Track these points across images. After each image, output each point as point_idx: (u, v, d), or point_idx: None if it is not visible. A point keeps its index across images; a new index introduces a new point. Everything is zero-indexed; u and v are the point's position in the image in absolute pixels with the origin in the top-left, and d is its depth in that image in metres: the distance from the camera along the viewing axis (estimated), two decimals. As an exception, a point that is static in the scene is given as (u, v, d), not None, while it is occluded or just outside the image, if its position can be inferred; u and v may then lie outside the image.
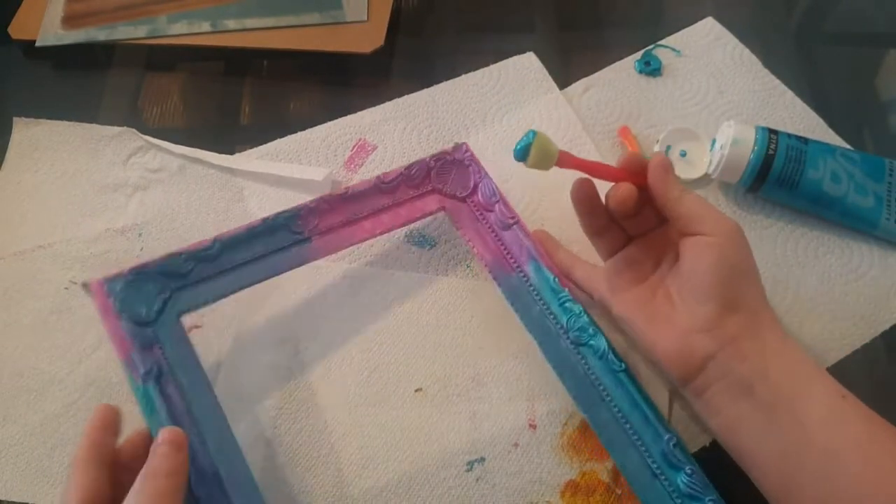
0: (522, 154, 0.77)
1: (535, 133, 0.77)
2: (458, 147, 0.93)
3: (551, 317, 0.84)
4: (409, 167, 0.90)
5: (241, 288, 0.83)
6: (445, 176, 0.92)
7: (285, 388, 0.86)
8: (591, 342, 0.82)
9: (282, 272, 0.85)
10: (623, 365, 0.80)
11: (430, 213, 0.91)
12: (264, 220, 0.85)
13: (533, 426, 0.85)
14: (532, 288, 0.86)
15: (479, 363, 0.88)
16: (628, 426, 0.78)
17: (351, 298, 0.92)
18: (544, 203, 0.97)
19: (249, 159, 1.01)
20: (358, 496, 0.81)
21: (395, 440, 0.84)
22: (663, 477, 0.76)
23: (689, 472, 0.74)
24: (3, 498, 0.81)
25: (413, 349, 0.89)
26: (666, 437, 0.76)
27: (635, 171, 0.79)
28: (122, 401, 0.84)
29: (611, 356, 0.81)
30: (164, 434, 0.69)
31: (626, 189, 0.77)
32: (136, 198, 0.99)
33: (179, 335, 0.80)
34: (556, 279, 0.85)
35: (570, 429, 0.85)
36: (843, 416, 0.69)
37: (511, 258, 0.88)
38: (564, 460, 0.83)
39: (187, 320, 0.85)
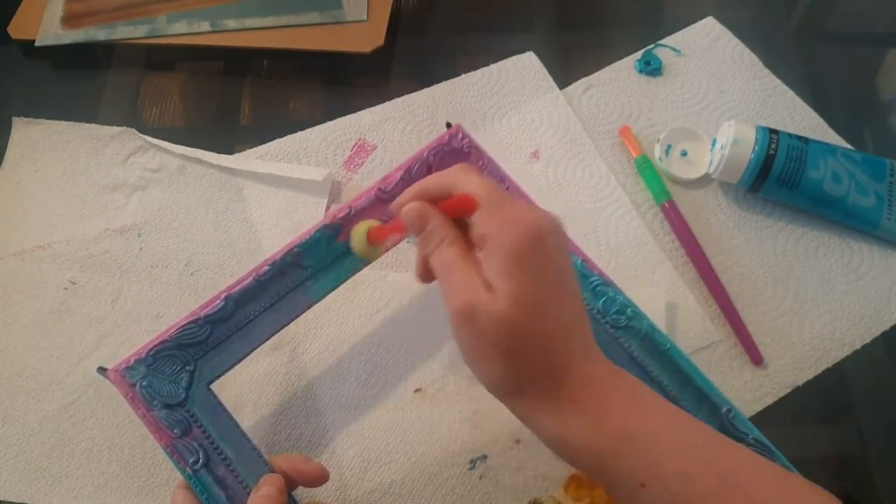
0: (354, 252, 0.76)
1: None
2: (452, 133, 0.88)
3: (584, 303, 0.79)
4: (407, 169, 0.86)
5: (264, 340, 0.80)
6: (446, 168, 0.83)
7: (283, 394, 0.87)
8: (632, 324, 0.79)
9: (302, 312, 0.81)
10: (669, 343, 0.78)
11: None
12: (271, 263, 0.80)
13: (534, 422, 0.84)
14: None
15: (478, 361, 0.87)
16: (683, 405, 0.76)
17: (348, 300, 0.92)
18: (543, 203, 0.94)
19: (249, 159, 1.01)
20: (361, 499, 0.81)
21: (396, 441, 0.84)
22: None
23: (751, 441, 0.74)
24: (2, 498, 0.82)
25: (411, 350, 0.89)
26: (724, 409, 0.75)
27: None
28: (121, 401, 0.83)
29: (655, 335, 0.78)
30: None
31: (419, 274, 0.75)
32: (135, 198, 0.99)
33: (213, 405, 0.77)
34: (584, 263, 0.81)
35: (572, 423, 0.84)
36: (637, 408, 0.66)
37: None
38: (567, 454, 0.83)
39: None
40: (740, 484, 0.62)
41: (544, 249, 0.64)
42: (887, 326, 0.90)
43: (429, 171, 0.85)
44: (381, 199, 0.84)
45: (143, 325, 0.90)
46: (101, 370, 0.76)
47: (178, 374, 0.76)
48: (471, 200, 0.66)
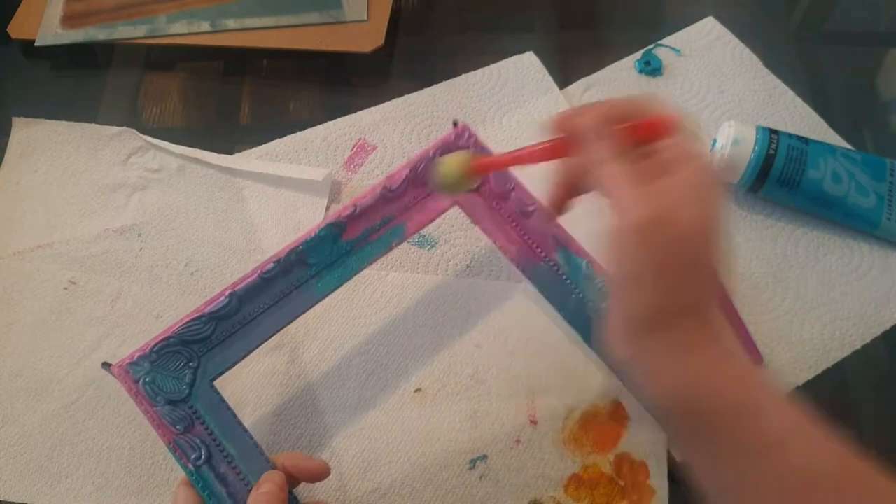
0: (436, 183, 0.75)
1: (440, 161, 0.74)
2: (459, 133, 0.87)
3: (590, 304, 0.82)
4: (412, 167, 0.85)
5: (268, 337, 0.79)
6: None
7: (283, 394, 0.87)
8: None
9: (305, 310, 0.81)
10: None
11: (444, 211, 0.86)
12: (276, 261, 0.80)
13: (534, 422, 0.85)
14: (564, 276, 0.84)
15: (478, 361, 0.88)
16: None
17: (348, 300, 0.92)
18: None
19: (249, 159, 1.01)
20: (361, 499, 0.81)
21: (396, 441, 0.84)
22: None
23: None
24: (2, 498, 0.81)
25: (411, 350, 0.89)
26: None
27: (559, 147, 0.67)
28: (122, 401, 0.85)
29: None
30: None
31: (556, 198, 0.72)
32: (135, 198, 0.99)
33: (216, 401, 0.76)
34: (590, 264, 0.83)
35: (571, 423, 0.85)
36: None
37: (537, 247, 0.84)
38: (567, 454, 0.83)
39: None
40: (860, 476, 0.57)
41: (720, 201, 0.61)
42: (887, 326, 0.90)
43: None
44: (386, 198, 0.83)
45: (142, 325, 0.90)
46: (106, 365, 0.75)
47: (181, 371, 0.75)
48: (673, 121, 0.63)
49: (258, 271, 0.79)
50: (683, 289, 0.60)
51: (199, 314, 0.77)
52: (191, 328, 0.77)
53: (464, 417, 0.85)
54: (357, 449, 0.84)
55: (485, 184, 0.85)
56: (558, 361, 0.88)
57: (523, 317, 0.90)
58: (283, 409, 0.86)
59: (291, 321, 0.80)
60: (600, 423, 0.84)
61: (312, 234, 0.81)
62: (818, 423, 0.58)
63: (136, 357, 0.75)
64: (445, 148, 0.85)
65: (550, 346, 0.89)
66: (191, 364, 0.76)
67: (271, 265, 0.80)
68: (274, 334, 0.79)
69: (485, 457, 0.83)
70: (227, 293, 0.78)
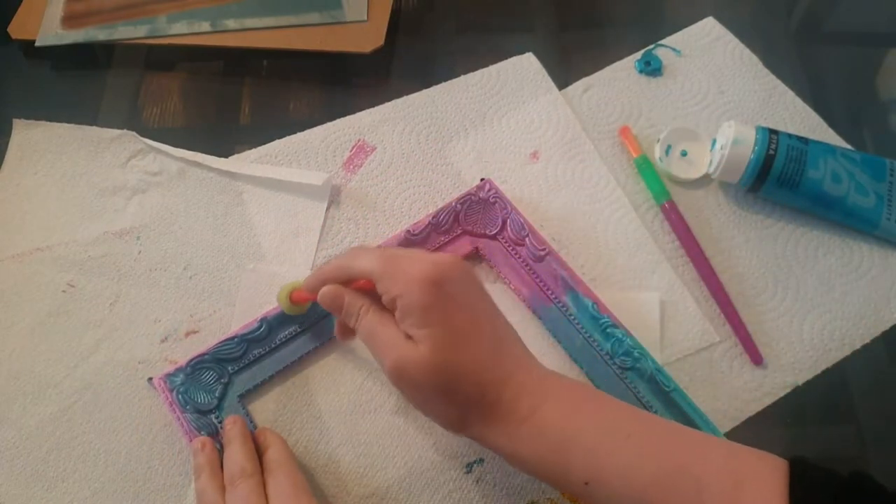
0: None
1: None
2: (481, 185, 0.95)
3: (595, 344, 0.87)
4: (435, 214, 0.93)
5: (294, 361, 0.88)
6: (473, 216, 0.94)
7: (280, 400, 0.87)
8: (638, 366, 0.84)
9: (327, 339, 0.89)
10: (673, 384, 0.82)
11: (465, 256, 0.93)
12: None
13: (531, 424, 0.84)
14: (572, 317, 0.88)
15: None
16: None
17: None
18: (542, 204, 0.97)
19: (249, 163, 1.01)
20: (359, 503, 0.81)
21: (393, 446, 0.84)
22: None
23: None
24: (-2, 502, 0.82)
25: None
26: None
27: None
28: (118, 405, 0.86)
29: (659, 377, 0.83)
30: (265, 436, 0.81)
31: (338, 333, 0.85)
32: (134, 201, 0.98)
33: (241, 415, 0.84)
34: (595, 305, 0.86)
35: (568, 425, 0.84)
36: (570, 413, 0.70)
37: (548, 290, 0.90)
38: (564, 456, 0.83)
39: (184, 326, 0.89)
40: (682, 466, 0.65)
41: (446, 294, 0.71)
42: (887, 326, 0.90)
43: (456, 218, 0.95)
44: (410, 241, 0.93)
45: (141, 329, 0.90)
46: (150, 380, 0.86)
47: (212, 385, 0.85)
48: (366, 283, 0.76)
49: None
50: (449, 407, 0.72)
51: (233, 336, 0.87)
52: (224, 348, 0.86)
53: (461, 420, 0.84)
54: (354, 454, 0.83)
55: (503, 231, 0.94)
56: (553, 363, 0.87)
57: (518, 319, 0.90)
58: (279, 416, 0.86)
59: (314, 348, 0.89)
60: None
61: None
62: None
63: (173, 370, 0.85)
64: (467, 199, 0.95)
65: (545, 348, 0.89)
66: (222, 380, 0.85)
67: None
68: (299, 358, 0.88)
69: (481, 460, 0.83)
70: (258, 319, 0.87)
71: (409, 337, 0.71)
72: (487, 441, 0.72)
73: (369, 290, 0.76)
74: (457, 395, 0.71)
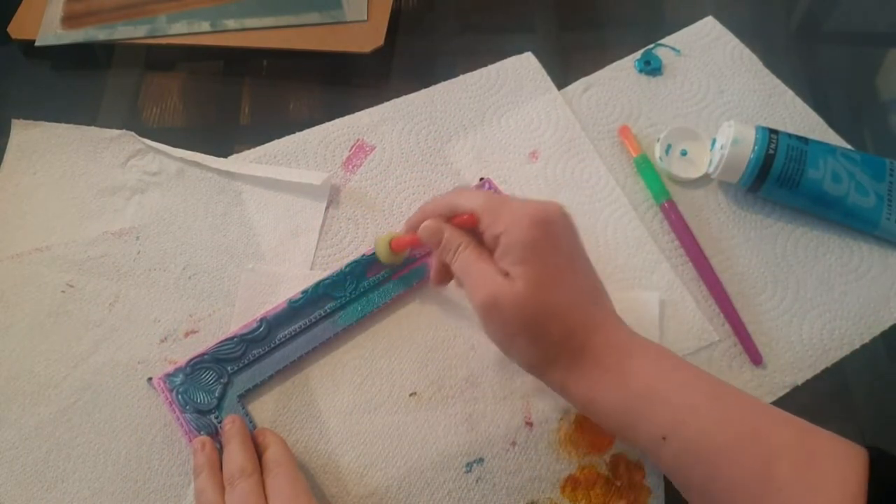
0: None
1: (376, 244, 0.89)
2: (480, 185, 0.96)
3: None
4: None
5: (293, 361, 0.87)
6: None
7: (279, 400, 0.87)
8: None
9: (328, 338, 0.89)
10: None
11: None
12: (304, 291, 0.89)
13: (529, 424, 0.85)
14: None
15: (472, 364, 0.88)
16: None
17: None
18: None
19: (248, 163, 1.01)
20: (358, 503, 0.81)
21: (392, 446, 0.84)
22: None
23: None
24: (-3, 503, 0.82)
25: (405, 353, 0.89)
26: None
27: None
28: (118, 405, 0.86)
29: None
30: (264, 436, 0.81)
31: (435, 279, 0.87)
32: (134, 201, 0.98)
33: (241, 415, 0.84)
34: None
35: (567, 424, 0.85)
36: (657, 369, 0.72)
37: None
38: (563, 456, 0.83)
39: (184, 326, 0.89)
40: (759, 437, 0.65)
41: (550, 234, 0.73)
42: (887, 326, 0.90)
43: None
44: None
45: (140, 329, 0.90)
46: (149, 380, 0.86)
47: (212, 385, 0.85)
48: (470, 218, 0.77)
49: (287, 300, 0.89)
50: (536, 347, 0.73)
51: (232, 336, 0.87)
52: (224, 348, 0.86)
53: (459, 420, 0.85)
54: (353, 454, 0.83)
55: None
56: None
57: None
58: (278, 416, 0.86)
59: (314, 348, 0.88)
60: (596, 423, 0.84)
61: (339, 270, 0.91)
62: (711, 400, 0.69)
63: (173, 370, 0.85)
64: None
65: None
66: (221, 380, 0.85)
67: (299, 295, 0.89)
68: (298, 358, 0.88)
69: (481, 460, 0.83)
70: (258, 319, 0.88)
71: (505, 275, 0.72)
72: (566, 387, 0.74)
73: (469, 229, 0.78)
74: (544, 335, 0.72)
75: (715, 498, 0.66)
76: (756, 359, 0.88)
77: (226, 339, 0.86)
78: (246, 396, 0.85)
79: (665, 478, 0.81)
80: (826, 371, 0.88)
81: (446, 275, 0.84)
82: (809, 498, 0.61)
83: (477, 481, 0.82)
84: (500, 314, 0.72)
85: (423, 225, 0.80)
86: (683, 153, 1.00)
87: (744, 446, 0.65)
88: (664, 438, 0.68)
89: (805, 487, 0.62)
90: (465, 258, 0.76)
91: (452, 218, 0.79)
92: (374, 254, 0.90)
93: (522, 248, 0.72)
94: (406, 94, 1.07)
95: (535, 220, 0.72)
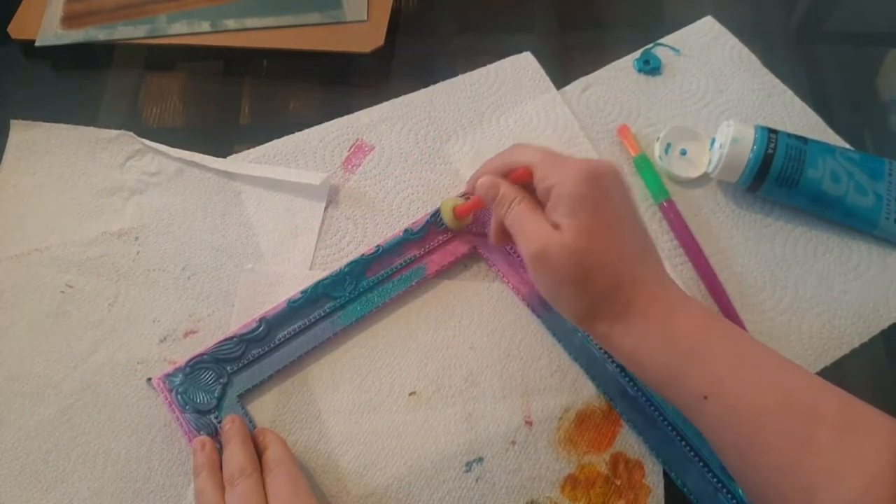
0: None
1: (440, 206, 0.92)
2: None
3: (593, 342, 0.87)
4: (434, 213, 0.94)
5: (293, 361, 0.88)
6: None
7: (279, 400, 0.87)
8: None
9: (327, 338, 0.89)
10: None
11: (464, 255, 0.94)
12: (303, 292, 0.89)
13: (529, 423, 0.85)
14: None
15: (472, 363, 0.88)
16: (683, 443, 0.81)
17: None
18: None
19: (247, 163, 1.01)
20: (358, 503, 0.81)
21: (392, 445, 0.84)
22: (724, 490, 0.78)
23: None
24: (-3, 503, 0.82)
25: (404, 352, 0.89)
26: None
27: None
28: (117, 406, 0.86)
29: None
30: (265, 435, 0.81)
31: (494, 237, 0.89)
32: (133, 201, 0.98)
33: (240, 415, 0.84)
34: None
35: (566, 423, 0.85)
36: (703, 327, 0.73)
37: None
38: (562, 455, 0.83)
39: (183, 326, 0.89)
40: (801, 402, 0.66)
41: (600, 188, 0.75)
42: (886, 325, 0.90)
43: None
44: (408, 240, 0.93)
45: (139, 329, 0.90)
46: (149, 381, 0.87)
47: (212, 386, 0.85)
48: (525, 170, 0.80)
49: (286, 300, 0.89)
50: (582, 298, 0.75)
51: (232, 336, 0.87)
52: (223, 348, 0.86)
53: (459, 420, 0.85)
54: (353, 453, 0.83)
55: None
56: (552, 362, 0.88)
57: (517, 318, 0.91)
58: (277, 417, 0.86)
59: (313, 347, 0.88)
60: (595, 422, 0.84)
61: (338, 270, 0.91)
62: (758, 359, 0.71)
63: (172, 370, 0.85)
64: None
65: (544, 347, 0.89)
66: (221, 380, 0.85)
67: (299, 295, 0.89)
68: (298, 358, 0.88)
69: (481, 459, 0.83)
70: (257, 319, 0.88)
71: (555, 227, 0.75)
72: (610, 339, 0.75)
73: (524, 184, 0.81)
74: (591, 286, 0.74)
75: (751, 460, 0.67)
76: (755, 358, 0.88)
77: (225, 339, 0.86)
78: (245, 396, 0.85)
79: (665, 476, 0.82)
80: (825, 370, 0.88)
81: (504, 234, 0.85)
82: (847, 465, 0.62)
83: (477, 480, 0.82)
84: (548, 265, 0.74)
85: (479, 181, 0.83)
86: (683, 153, 0.99)
87: (784, 410, 0.66)
88: (705, 398, 0.69)
89: (842, 454, 0.62)
90: (518, 212, 0.78)
91: (509, 174, 0.82)
92: (373, 254, 0.91)
93: (572, 200, 0.74)
94: (405, 94, 1.06)
95: (586, 173, 0.74)
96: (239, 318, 0.90)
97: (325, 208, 0.97)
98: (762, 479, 0.66)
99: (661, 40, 1.10)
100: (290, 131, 1.03)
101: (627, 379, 0.84)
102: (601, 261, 0.73)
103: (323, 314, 0.88)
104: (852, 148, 1.00)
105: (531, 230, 0.76)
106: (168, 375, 0.84)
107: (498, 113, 1.05)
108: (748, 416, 0.67)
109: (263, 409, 0.86)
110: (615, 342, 0.75)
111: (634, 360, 0.74)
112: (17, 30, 1.12)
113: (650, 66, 1.07)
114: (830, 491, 0.61)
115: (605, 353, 0.85)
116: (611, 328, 0.74)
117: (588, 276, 0.73)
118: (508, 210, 0.79)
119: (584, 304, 0.75)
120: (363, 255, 0.91)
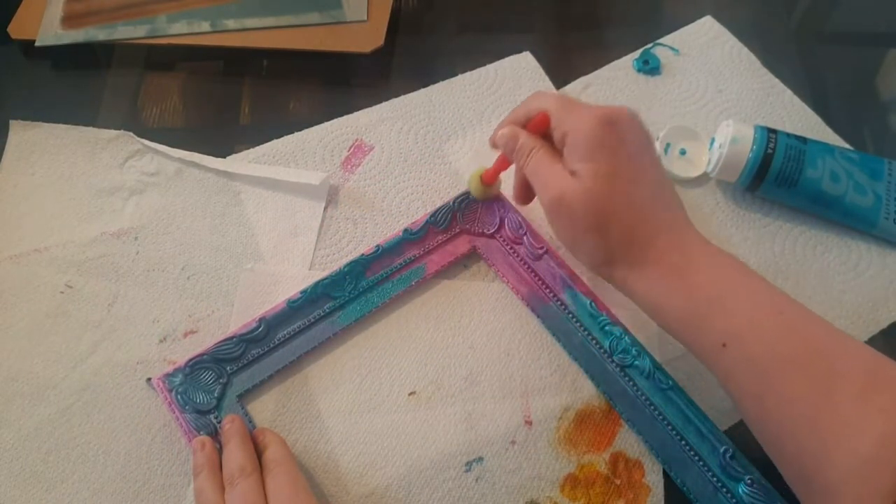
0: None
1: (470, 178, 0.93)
2: None
3: (593, 342, 0.86)
4: (433, 213, 0.94)
5: (292, 361, 0.88)
6: (471, 215, 0.94)
7: (279, 400, 0.87)
8: (636, 363, 0.84)
9: (327, 338, 0.89)
10: (671, 381, 0.82)
11: (464, 255, 0.93)
12: (302, 292, 0.89)
13: (529, 423, 0.85)
14: (570, 315, 0.88)
15: (472, 363, 0.88)
16: (683, 443, 0.80)
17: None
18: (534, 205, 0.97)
19: (246, 163, 1.01)
20: (358, 502, 0.81)
21: (392, 445, 0.84)
22: (724, 489, 0.78)
23: (748, 481, 0.76)
24: (-4, 504, 0.82)
25: (404, 352, 0.89)
26: (722, 448, 0.78)
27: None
28: (117, 406, 0.86)
29: (657, 375, 0.83)
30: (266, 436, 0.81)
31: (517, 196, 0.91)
32: (132, 201, 0.98)
33: (240, 415, 0.84)
34: (593, 303, 0.86)
35: (566, 423, 0.85)
36: (722, 276, 0.73)
37: (546, 288, 0.90)
38: (562, 454, 0.83)
39: (183, 326, 0.89)
40: (823, 355, 0.66)
41: (616, 132, 0.75)
42: (885, 325, 0.90)
43: (454, 217, 0.95)
44: (408, 241, 0.93)
45: (139, 330, 0.90)
46: (148, 381, 0.87)
47: (212, 386, 0.85)
48: (543, 117, 0.80)
49: (286, 301, 0.89)
50: (599, 244, 0.76)
51: (231, 336, 0.87)
52: (223, 348, 0.86)
53: (459, 419, 0.85)
54: (353, 453, 0.83)
55: (501, 230, 0.94)
56: (552, 361, 0.88)
57: (516, 317, 0.91)
58: (277, 416, 0.86)
59: (313, 347, 0.88)
60: (595, 422, 0.84)
61: (338, 270, 0.91)
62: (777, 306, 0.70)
63: (172, 370, 0.85)
64: (465, 196, 0.96)
65: (544, 347, 0.89)
66: (220, 380, 0.85)
67: (298, 295, 0.89)
68: (297, 358, 0.88)
69: (480, 459, 0.83)
70: (257, 318, 0.88)
71: (573, 174, 0.75)
72: (629, 286, 0.76)
73: (542, 133, 0.81)
74: (609, 232, 0.74)
75: (769, 410, 0.67)
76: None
77: (225, 339, 0.86)
78: (245, 396, 0.85)
79: (665, 476, 0.81)
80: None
81: (527, 190, 0.87)
82: (866, 422, 0.62)
83: (476, 480, 0.82)
84: (566, 211, 0.75)
85: (500, 132, 0.84)
86: (682, 152, 0.99)
87: (805, 362, 0.66)
88: (724, 346, 0.69)
89: (863, 410, 0.62)
90: (537, 161, 0.79)
91: (527, 124, 0.83)
92: (373, 254, 0.91)
93: (587, 145, 0.74)
94: (405, 93, 1.06)
95: (601, 118, 0.75)
96: (238, 318, 0.90)
97: (325, 208, 0.97)
98: (780, 429, 0.66)
99: (661, 40, 1.10)
100: (290, 131, 1.03)
101: (627, 379, 0.84)
102: (617, 206, 0.74)
103: (322, 314, 0.88)
104: (852, 148, 0.99)
105: (549, 178, 0.77)
106: (168, 375, 0.84)
107: (497, 113, 1.05)
108: (767, 366, 0.67)
109: (263, 409, 0.86)
110: (632, 288, 0.76)
111: (653, 307, 0.75)
112: (17, 30, 1.13)
113: (649, 66, 1.07)
114: (847, 445, 0.61)
115: (605, 352, 0.85)
116: (629, 274, 0.75)
117: (605, 222, 0.74)
118: (528, 159, 0.80)
119: (603, 251, 0.76)
120: (363, 255, 0.91)
